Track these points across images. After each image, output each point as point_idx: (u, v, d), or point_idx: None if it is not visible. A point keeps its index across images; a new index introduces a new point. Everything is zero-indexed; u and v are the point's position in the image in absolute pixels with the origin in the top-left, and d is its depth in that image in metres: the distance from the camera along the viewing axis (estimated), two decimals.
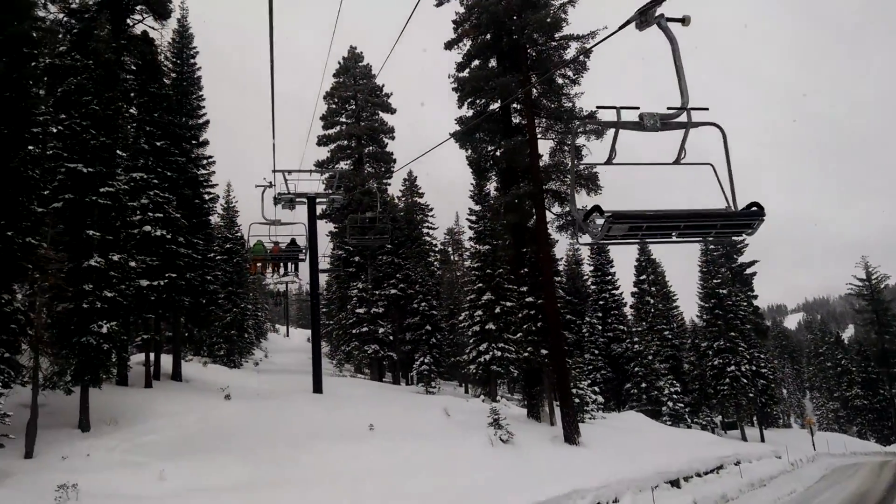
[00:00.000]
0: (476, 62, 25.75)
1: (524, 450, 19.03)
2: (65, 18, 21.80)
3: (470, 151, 26.47)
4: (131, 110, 23.83)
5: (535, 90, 24.41)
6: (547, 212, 24.33)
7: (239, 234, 43.90)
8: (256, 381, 29.76)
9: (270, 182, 24.13)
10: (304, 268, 25.68)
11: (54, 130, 17.86)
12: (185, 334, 29.31)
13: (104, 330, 16.82)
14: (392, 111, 46.99)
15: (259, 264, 23.31)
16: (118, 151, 19.60)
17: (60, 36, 20.72)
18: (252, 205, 24.04)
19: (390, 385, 41.58)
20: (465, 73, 25.61)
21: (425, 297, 43.34)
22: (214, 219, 46.81)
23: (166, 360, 26.60)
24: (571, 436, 21.28)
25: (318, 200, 27.96)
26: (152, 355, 24.13)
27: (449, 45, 26.05)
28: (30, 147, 15.51)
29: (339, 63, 48.25)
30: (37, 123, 16.39)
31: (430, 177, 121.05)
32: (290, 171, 24.74)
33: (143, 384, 22.51)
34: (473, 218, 35.67)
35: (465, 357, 33.88)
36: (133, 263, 18.38)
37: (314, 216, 26.61)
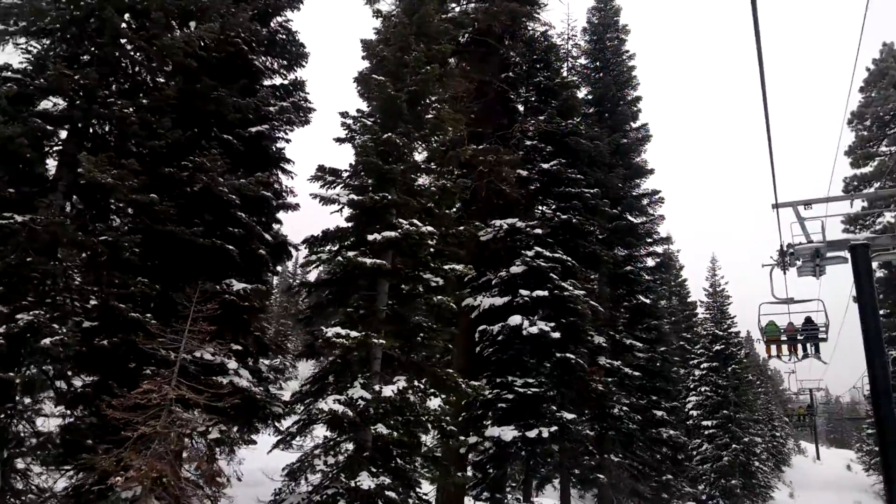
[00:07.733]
0: None
1: None
2: None
3: None
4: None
5: None
6: None
7: (732, 329, 35.45)
8: None
9: (780, 261, 14.45)
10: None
11: None
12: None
13: None
14: None
15: (773, 346, 18.47)
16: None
17: None
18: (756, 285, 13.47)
19: None
20: None
21: None
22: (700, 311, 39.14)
23: None
24: None
25: (873, 251, 14.67)
26: None
27: None
28: None
29: (868, 70, 31.76)
30: None
31: None
32: (807, 203, 13.07)
33: None
34: None
35: None
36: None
37: (869, 271, 13.23)
